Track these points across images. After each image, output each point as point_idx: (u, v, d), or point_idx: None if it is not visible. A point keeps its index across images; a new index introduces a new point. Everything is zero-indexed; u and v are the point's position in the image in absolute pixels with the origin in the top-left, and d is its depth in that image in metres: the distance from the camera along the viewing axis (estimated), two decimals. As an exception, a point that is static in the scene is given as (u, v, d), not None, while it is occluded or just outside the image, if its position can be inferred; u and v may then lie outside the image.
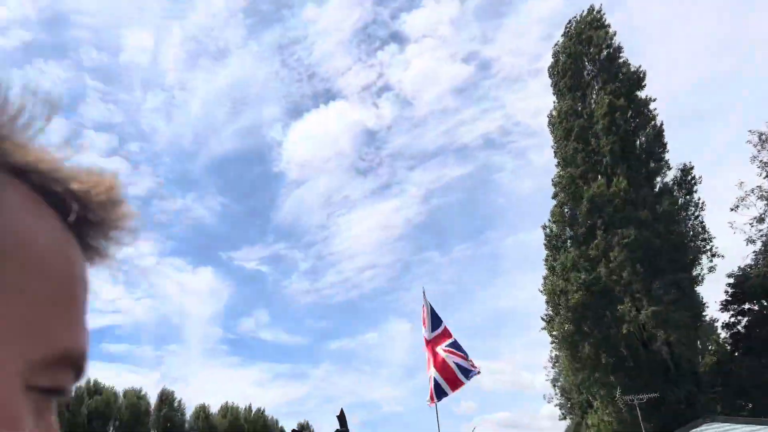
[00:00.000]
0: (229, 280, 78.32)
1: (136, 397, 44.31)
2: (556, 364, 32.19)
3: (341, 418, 3.99)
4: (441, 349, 7.80)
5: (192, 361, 74.58)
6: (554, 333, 26.93)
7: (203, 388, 69.28)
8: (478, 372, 7.73)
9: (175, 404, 46.72)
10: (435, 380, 7.58)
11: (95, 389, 42.96)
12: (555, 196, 28.08)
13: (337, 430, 3.93)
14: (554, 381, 34.17)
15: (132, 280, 70.53)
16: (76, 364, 0.36)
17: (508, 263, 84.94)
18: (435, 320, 8.02)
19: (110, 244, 0.41)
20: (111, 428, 42.58)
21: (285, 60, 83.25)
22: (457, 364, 7.68)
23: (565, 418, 33.79)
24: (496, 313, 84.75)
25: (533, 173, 75.64)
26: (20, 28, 73.02)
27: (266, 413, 50.37)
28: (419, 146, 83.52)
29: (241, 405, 50.32)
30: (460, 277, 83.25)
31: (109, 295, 66.21)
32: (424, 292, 7.48)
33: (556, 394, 34.62)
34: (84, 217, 0.38)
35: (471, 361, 7.70)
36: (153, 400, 46.14)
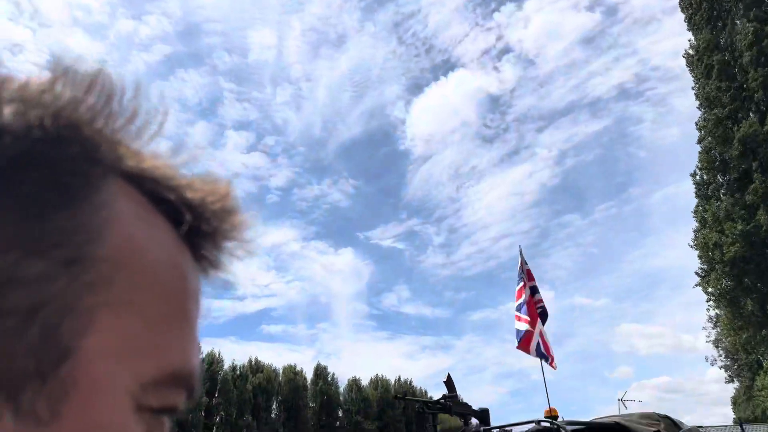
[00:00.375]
0: (369, 259, 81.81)
1: (293, 373, 48.46)
2: (717, 324, 30.40)
3: (449, 383, 4.35)
4: (539, 330, 7.22)
5: (342, 337, 79.24)
6: (710, 290, 25.63)
7: (355, 362, 73.57)
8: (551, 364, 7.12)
9: (329, 378, 50.53)
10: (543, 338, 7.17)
11: (257, 367, 47.67)
12: (701, 141, 26.41)
13: (445, 395, 4.40)
14: (716, 342, 32.19)
15: (282, 265, 76.17)
16: (187, 383, 0.35)
17: (656, 220, 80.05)
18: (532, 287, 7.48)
19: (224, 255, 0.40)
20: (274, 403, 47.08)
21: (401, 37, 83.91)
22: (540, 344, 7.07)
23: (731, 381, 31.87)
24: (647, 275, 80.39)
25: (677, 120, 70.20)
26: (161, 42, 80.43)
27: (414, 384, 52.94)
28: (547, 106, 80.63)
29: (391, 377, 53.23)
30: (604, 239, 79.96)
31: (263, 281, 72.13)
32: (521, 250, 7.60)
33: (720, 356, 32.60)
34: (198, 228, 0.37)
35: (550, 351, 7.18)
36: (309, 375, 50.15)
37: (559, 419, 4.17)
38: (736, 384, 31.78)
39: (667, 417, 4.38)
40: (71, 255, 0.30)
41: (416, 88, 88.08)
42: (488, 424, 4.60)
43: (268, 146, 79.03)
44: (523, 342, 7.30)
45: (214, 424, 42.65)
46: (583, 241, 78.50)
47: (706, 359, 33.45)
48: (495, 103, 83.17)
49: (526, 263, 7.55)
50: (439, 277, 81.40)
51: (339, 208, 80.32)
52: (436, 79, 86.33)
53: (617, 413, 4.08)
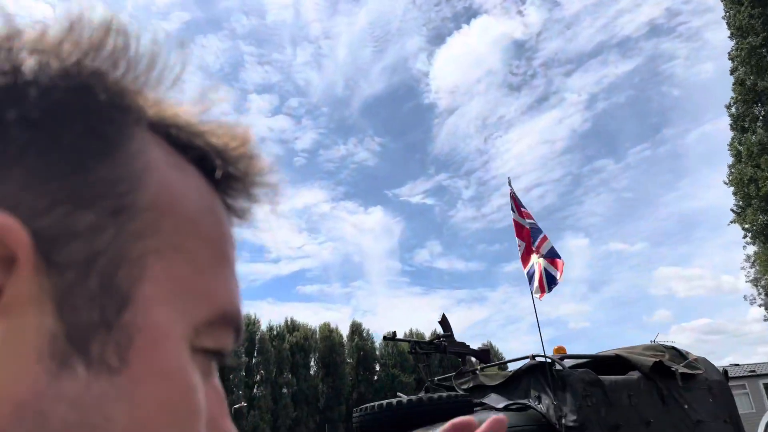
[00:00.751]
0: (399, 216, 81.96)
1: (328, 331, 49.55)
2: (755, 262, 29.79)
3: (443, 323, 4.23)
4: (540, 257, 6.88)
5: (377, 294, 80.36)
6: (746, 226, 24.96)
7: (390, 318, 74.61)
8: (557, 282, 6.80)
9: (365, 334, 51.51)
10: (545, 270, 6.84)
11: (293, 327, 48.87)
12: (734, 72, 25.31)
13: (439, 335, 4.28)
14: (755, 280, 31.66)
15: (313, 227, 76.98)
16: (235, 323, 0.36)
17: (692, 160, 78.02)
18: (522, 209, 7.33)
19: (251, 202, 0.40)
20: (312, 360, 48.36)
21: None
22: (546, 271, 6.73)
23: (772, 318, 31.36)
24: (685, 216, 78.86)
25: (711, 55, 67.64)
26: (179, 9, 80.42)
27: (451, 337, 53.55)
28: (574, 48, 78.30)
29: (426, 331, 53.95)
30: (639, 183, 78.30)
31: (296, 243, 73.29)
32: (509, 181, 7.30)
33: (759, 295, 32.09)
34: (226, 173, 0.38)
35: (559, 267, 6.83)
36: (345, 332, 51.22)
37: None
38: (777, 321, 31.19)
39: (672, 347, 4.27)
40: (117, 205, 0.30)
41: (438, 38, 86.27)
42: (488, 363, 4.55)
43: (292, 108, 78.80)
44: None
45: (255, 383, 44.12)
46: (617, 186, 77.05)
47: (745, 298, 32.84)
48: (520, 49, 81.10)
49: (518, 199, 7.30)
50: (471, 231, 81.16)
51: (366, 166, 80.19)
52: (459, 27, 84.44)
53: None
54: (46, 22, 0.33)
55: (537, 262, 6.59)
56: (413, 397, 3.50)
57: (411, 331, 52.70)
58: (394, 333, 4.54)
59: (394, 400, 3.51)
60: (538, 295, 6.47)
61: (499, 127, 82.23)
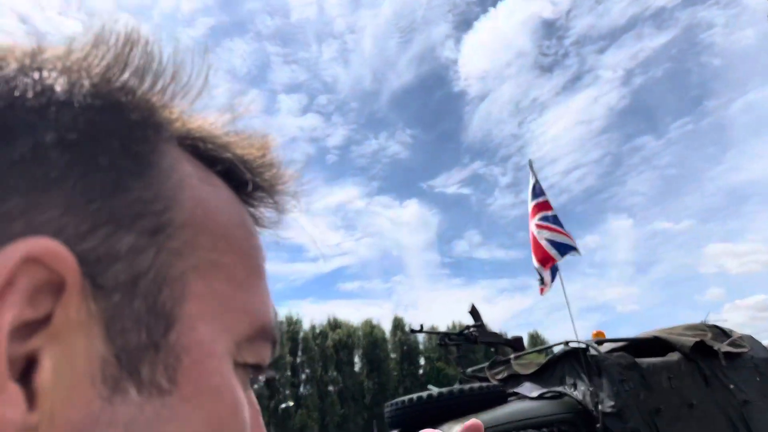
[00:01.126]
0: (435, 208, 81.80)
1: (370, 327, 49.83)
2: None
3: (473, 312, 4.19)
4: (533, 224, 6.83)
5: (418, 288, 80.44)
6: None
7: (432, 311, 74.72)
8: (577, 252, 6.75)
9: (407, 329, 51.57)
10: (552, 240, 6.78)
11: (335, 324, 49.31)
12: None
13: (469, 325, 4.25)
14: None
15: (349, 223, 77.45)
16: (272, 336, 0.36)
17: (738, 131, 75.58)
18: (538, 191, 7.12)
19: (277, 211, 0.41)
20: (356, 356, 48.71)
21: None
22: (550, 240, 6.67)
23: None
24: (733, 190, 76.53)
25: (752, 20, 65.01)
26: (203, 15, 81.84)
27: (492, 328, 53.19)
28: (607, 24, 76.65)
29: (470, 322, 53.75)
30: (683, 158, 76.26)
31: (333, 240, 73.91)
32: (530, 164, 7.15)
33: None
34: (253, 185, 0.38)
35: (571, 237, 6.78)
36: (388, 327, 51.43)
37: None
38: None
39: (715, 326, 4.13)
40: (155, 224, 0.30)
41: (464, 23, 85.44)
42: (521, 352, 4.49)
43: (321, 106, 79.19)
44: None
45: (301, 382, 44.70)
46: (660, 163, 75.26)
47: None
48: (550, 29, 79.72)
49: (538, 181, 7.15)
50: (510, 218, 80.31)
51: (399, 160, 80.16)
52: (485, 11, 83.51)
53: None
54: (71, 37, 0.33)
55: (532, 231, 6.48)
56: (444, 390, 3.48)
57: (453, 323, 52.62)
58: (421, 326, 4.52)
59: (424, 394, 3.49)
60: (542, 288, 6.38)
61: (533, 110, 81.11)
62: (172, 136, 0.34)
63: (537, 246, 6.91)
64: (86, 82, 0.31)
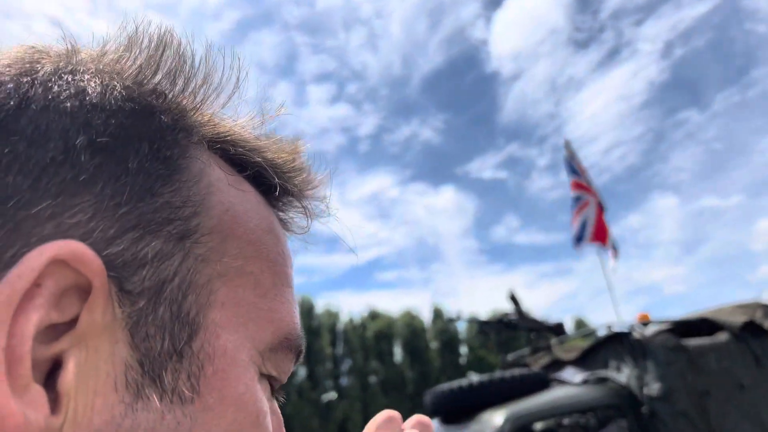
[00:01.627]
0: (470, 193, 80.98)
1: (410, 317, 49.99)
2: None
3: (513, 299, 4.11)
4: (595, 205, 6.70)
5: (456, 275, 79.96)
6: None
7: (472, 299, 74.22)
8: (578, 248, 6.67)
9: (446, 317, 51.59)
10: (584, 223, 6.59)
11: (375, 315, 49.64)
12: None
13: (508, 312, 4.18)
14: None
15: (384, 212, 77.51)
16: (296, 346, 0.36)
17: (787, 98, 72.34)
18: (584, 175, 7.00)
19: (305, 216, 0.41)
20: (396, 347, 48.98)
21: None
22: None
23: None
24: (784, 161, 73.52)
25: (800, -24, 62.01)
26: (229, 8, 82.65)
27: (536, 314, 52.87)
28: (642, -7, 74.17)
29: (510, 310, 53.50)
30: (729, 131, 73.50)
31: (368, 230, 74.17)
32: (567, 143, 6.95)
33: None
34: (282, 189, 0.38)
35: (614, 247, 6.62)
36: (427, 316, 51.52)
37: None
38: None
39: (766, 305, 4.02)
40: (182, 229, 0.31)
41: (494, 2, 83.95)
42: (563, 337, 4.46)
43: (351, 94, 79.22)
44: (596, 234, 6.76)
45: (342, 373, 45.20)
46: (705, 137, 72.73)
47: None
48: (584, 2, 77.69)
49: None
50: (549, 201, 78.97)
51: (432, 146, 79.64)
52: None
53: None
54: (104, 39, 0.34)
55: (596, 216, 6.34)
56: (484, 378, 3.49)
57: (493, 310, 52.35)
58: (458, 315, 4.53)
59: (464, 382, 3.51)
60: (611, 259, 6.26)
61: (570, 87, 79.36)
62: (203, 139, 0.35)
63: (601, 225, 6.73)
64: (118, 85, 0.32)
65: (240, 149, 0.37)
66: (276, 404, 0.38)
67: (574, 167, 7.04)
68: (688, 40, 73.91)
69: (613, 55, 75.78)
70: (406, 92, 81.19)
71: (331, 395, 38.14)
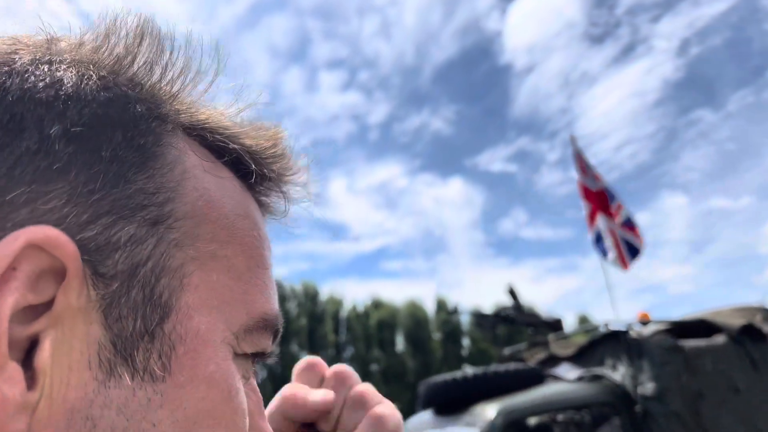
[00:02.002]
0: (479, 185, 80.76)
1: (414, 307, 50.11)
2: None
3: (512, 293, 4.10)
4: (611, 221, 6.55)
5: (462, 268, 79.92)
6: None
7: (477, 291, 74.10)
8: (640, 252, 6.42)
9: (449, 309, 51.69)
10: (623, 239, 6.41)
11: (378, 304, 49.80)
12: None
13: (506, 307, 4.17)
14: None
15: (392, 202, 77.50)
16: (273, 327, 0.37)
17: (803, 100, 71.46)
18: (590, 170, 6.78)
19: (283, 200, 0.42)
20: (398, 336, 49.16)
21: (482, -63, 79.22)
22: (626, 241, 6.44)
23: None
24: (798, 163, 72.73)
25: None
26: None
27: (540, 309, 52.82)
28: (659, -12, 73.25)
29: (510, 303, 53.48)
30: (742, 132, 72.71)
31: (375, 219, 74.33)
32: (572, 138, 6.83)
33: None
34: (260, 175, 0.39)
35: (639, 235, 6.46)
36: (431, 307, 51.61)
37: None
38: None
39: (765, 309, 4.00)
40: (155, 215, 0.32)
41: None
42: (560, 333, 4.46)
43: (362, 82, 78.91)
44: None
45: (344, 360, 45.44)
46: (717, 138, 72.07)
47: None
48: (601, -4, 76.79)
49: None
50: (558, 196, 78.63)
51: (442, 136, 79.39)
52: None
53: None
54: (82, 29, 0.35)
55: (609, 228, 6.26)
56: (478, 371, 3.50)
57: (498, 303, 52.31)
58: (455, 307, 4.55)
59: (458, 374, 3.52)
60: (618, 265, 6.17)
61: (583, 83, 78.69)
62: (178, 127, 0.36)
63: (615, 244, 6.53)
64: (94, 75, 0.33)
65: (217, 136, 0.38)
66: (255, 384, 0.39)
67: (579, 165, 6.95)
68: (704, 38, 73.05)
69: (628, 52, 75.03)
70: (418, 82, 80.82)
71: (332, 382, 38.38)
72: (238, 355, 0.35)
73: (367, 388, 0.48)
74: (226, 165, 0.38)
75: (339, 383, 0.48)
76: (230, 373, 0.34)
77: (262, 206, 0.42)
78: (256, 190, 0.41)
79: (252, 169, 0.39)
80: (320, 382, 0.49)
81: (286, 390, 0.48)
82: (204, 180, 0.35)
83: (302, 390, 0.48)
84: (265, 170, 0.40)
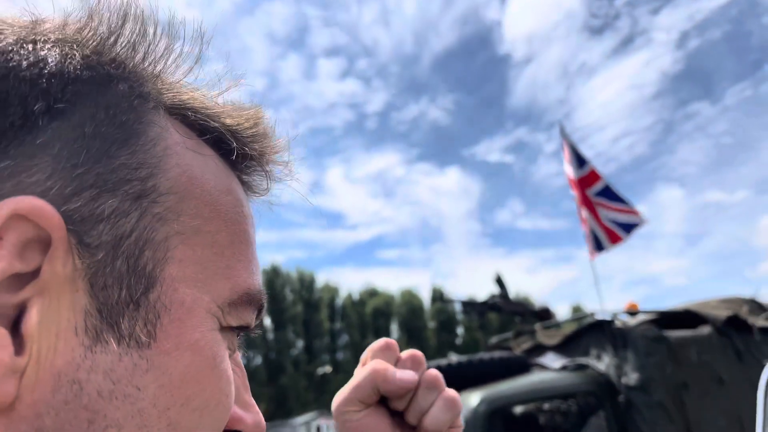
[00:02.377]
0: (476, 175, 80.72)
1: (409, 296, 50.29)
2: None
3: (499, 282, 4.08)
4: (592, 195, 6.63)
5: (458, 257, 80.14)
6: None
7: (472, 281, 74.34)
8: (642, 222, 6.54)
9: (445, 298, 51.89)
10: (592, 230, 6.49)
11: (374, 292, 49.95)
12: None
13: (494, 295, 4.16)
14: None
15: (389, 191, 77.44)
16: (256, 302, 0.38)
17: (801, 95, 71.36)
18: (578, 159, 6.87)
19: (266, 179, 0.43)
20: (393, 324, 49.36)
21: (482, -75, 78.59)
22: (613, 220, 6.49)
23: None
24: (793, 158, 72.81)
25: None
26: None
27: (535, 299, 53.11)
28: (660, -21, 72.83)
29: (510, 294, 53.68)
30: (739, 126, 72.64)
31: (372, 208, 74.33)
32: (561, 128, 6.83)
33: None
34: (242, 153, 0.40)
35: (632, 209, 6.56)
36: (426, 296, 51.80)
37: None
38: None
39: (752, 300, 4.00)
40: (138, 189, 0.33)
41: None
42: (548, 322, 4.45)
43: (361, 70, 78.54)
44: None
45: (339, 348, 45.66)
46: (715, 131, 72.01)
47: None
48: (601, -13, 76.38)
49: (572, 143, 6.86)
50: (554, 188, 78.63)
51: (440, 126, 79.19)
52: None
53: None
54: (66, 10, 0.36)
55: (593, 216, 6.28)
56: (463, 358, 3.49)
57: (492, 293, 52.45)
58: (441, 293, 4.54)
59: (443, 361, 3.51)
60: (610, 246, 6.19)
61: (582, 74, 78.43)
62: (161, 106, 0.37)
63: (600, 222, 6.63)
64: (78, 54, 0.33)
65: (199, 115, 0.39)
66: (240, 357, 0.41)
67: (566, 154, 6.93)
68: (704, 31, 72.78)
69: (627, 43, 74.73)
70: (417, 70, 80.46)
71: (327, 368, 38.53)
72: (224, 328, 0.36)
73: (439, 373, 0.52)
74: (208, 144, 0.39)
75: (415, 365, 0.52)
76: (215, 341, 0.35)
77: (245, 185, 0.43)
78: (239, 169, 0.42)
79: (233, 146, 0.39)
80: (396, 363, 0.53)
81: (377, 364, 0.51)
82: (186, 157, 0.36)
83: (392, 367, 0.51)
84: (247, 149, 0.40)
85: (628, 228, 6.51)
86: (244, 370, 0.41)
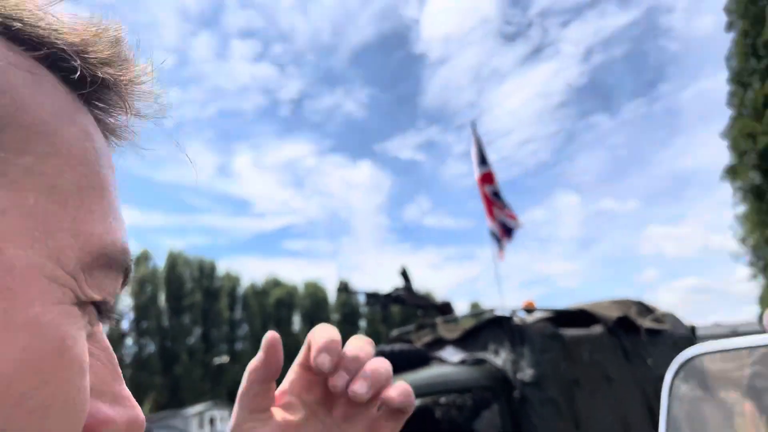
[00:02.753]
0: (387, 171, 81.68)
1: (314, 287, 50.21)
2: (744, 221, 30.23)
3: (404, 275, 4.11)
4: (489, 194, 6.83)
5: (365, 251, 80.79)
6: (737, 183, 25.13)
7: (377, 275, 75.16)
8: (519, 227, 6.80)
9: (349, 289, 52.29)
10: (502, 222, 6.88)
11: (276, 283, 49.45)
12: (730, 27, 24.98)
13: (398, 287, 4.17)
14: (743, 240, 32.23)
15: (299, 181, 76.64)
16: (119, 264, 0.30)
17: (687, 118, 77.51)
18: (482, 158, 7.08)
19: (129, 115, 0.34)
20: (296, 315, 49.08)
21: (407, -76, 79.31)
22: (502, 222, 6.73)
23: (755, 278, 32.03)
24: (677, 175, 78.92)
25: (712, 6, 66.24)
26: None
27: (437, 294, 54.39)
28: (571, -4, 76.67)
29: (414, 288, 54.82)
30: (633, 140, 77.99)
31: (281, 197, 73.23)
32: (473, 128, 7.11)
33: (746, 254, 32.66)
34: (91, 79, 0.31)
35: (513, 214, 6.84)
36: (332, 288, 51.86)
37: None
38: (762, 281, 31.91)
39: (639, 302, 4.20)
40: None
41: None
42: (449, 316, 4.48)
43: (276, 55, 77.03)
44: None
45: (238, 338, 44.77)
46: (612, 143, 76.90)
47: (732, 258, 33.38)
48: (517, -4, 79.30)
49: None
50: (461, 188, 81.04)
51: (354, 119, 79.29)
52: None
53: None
54: None
55: (494, 214, 6.59)
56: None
57: (397, 287, 53.47)
58: (346, 284, 4.44)
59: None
60: (499, 254, 6.52)
61: (493, 79, 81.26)
62: None
63: (495, 222, 6.96)
64: None
65: (31, 27, 0.28)
66: (104, 338, 0.31)
67: (474, 152, 7.15)
68: (607, 47, 77.39)
69: (537, 53, 78.16)
70: (333, 61, 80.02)
71: (224, 358, 37.56)
72: (82, 302, 0.27)
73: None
74: (43, 65, 0.29)
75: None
76: (64, 318, 0.26)
77: (100, 123, 0.33)
78: (90, 103, 0.32)
79: (77, 65, 0.29)
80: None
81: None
82: (8, 73, 0.27)
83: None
84: (99, 72, 0.31)
85: (510, 232, 6.85)
86: (113, 353, 0.32)
